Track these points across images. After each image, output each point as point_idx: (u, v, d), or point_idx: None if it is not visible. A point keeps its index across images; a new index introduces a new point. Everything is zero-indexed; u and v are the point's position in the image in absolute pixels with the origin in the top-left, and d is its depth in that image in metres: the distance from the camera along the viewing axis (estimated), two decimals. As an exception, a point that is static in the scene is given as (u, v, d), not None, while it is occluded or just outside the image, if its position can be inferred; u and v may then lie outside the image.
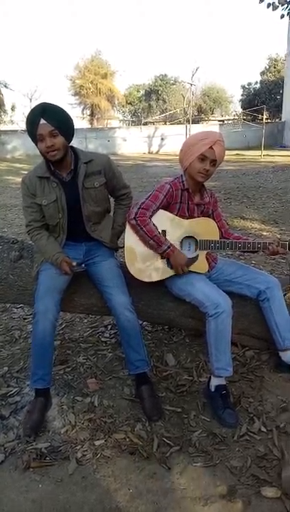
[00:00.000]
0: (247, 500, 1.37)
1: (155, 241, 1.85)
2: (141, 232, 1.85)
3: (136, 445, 1.61)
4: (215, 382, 1.80)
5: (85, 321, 2.66)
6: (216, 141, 1.82)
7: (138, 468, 1.51)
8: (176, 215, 1.93)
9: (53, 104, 1.82)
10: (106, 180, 1.98)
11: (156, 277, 1.92)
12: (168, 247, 1.86)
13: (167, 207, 1.92)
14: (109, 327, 2.53)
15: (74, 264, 1.88)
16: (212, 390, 1.79)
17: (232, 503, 1.36)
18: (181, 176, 1.95)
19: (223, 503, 1.37)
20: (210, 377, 1.83)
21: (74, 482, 1.47)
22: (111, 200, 2.10)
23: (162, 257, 1.91)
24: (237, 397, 1.85)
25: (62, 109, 1.83)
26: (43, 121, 1.74)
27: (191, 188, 1.94)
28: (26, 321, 2.67)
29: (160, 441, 1.63)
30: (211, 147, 1.82)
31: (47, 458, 1.56)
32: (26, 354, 2.24)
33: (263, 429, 1.66)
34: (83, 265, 2.02)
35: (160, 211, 1.91)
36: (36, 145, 1.81)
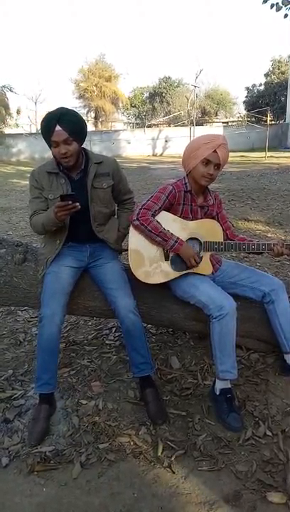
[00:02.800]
0: (252, 506, 1.36)
1: (161, 237, 1.84)
2: (146, 231, 1.85)
3: (141, 449, 1.60)
4: (219, 385, 1.79)
5: (90, 323, 2.66)
6: (220, 145, 1.82)
7: (142, 472, 1.50)
8: (179, 217, 1.92)
9: (70, 110, 1.81)
10: (114, 183, 1.99)
11: (160, 280, 1.91)
12: (176, 242, 1.85)
13: (170, 208, 1.92)
14: (114, 330, 2.53)
15: (67, 203, 1.68)
16: (217, 393, 1.78)
17: (237, 508, 1.35)
18: (184, 178, 1.95)
19: (228, 508, 1.36)
20: (215, 380, 1.82)
21: (79, 486, 1.46)
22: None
23: (166, 259, 1.90)
24: (242, 400, 1.84)
25: (78, 114, 1.84)
26: (58, 127, 1.74)
27: (194, 190, 1.94)
28: (31, 323, 2.67)
29: (164, 444, 1.62)
30: (215, 151, 1.81)
31: (52, 461, 1.56)
32: (31, 357, 2.24)
33: (268, 433, 1.65)
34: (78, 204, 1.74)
35: (164, 213, 1.90)
36: (50, 148, 1.82)
